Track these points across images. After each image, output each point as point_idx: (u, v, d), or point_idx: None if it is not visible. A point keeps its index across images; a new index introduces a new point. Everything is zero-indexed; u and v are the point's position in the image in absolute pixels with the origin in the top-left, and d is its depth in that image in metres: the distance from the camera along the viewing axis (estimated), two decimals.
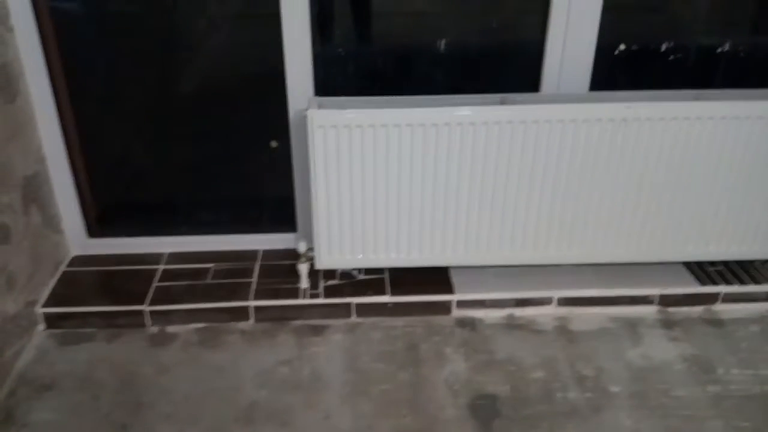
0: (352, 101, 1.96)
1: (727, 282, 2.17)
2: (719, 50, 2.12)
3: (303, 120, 2.06)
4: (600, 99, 1.95)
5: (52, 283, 2.18)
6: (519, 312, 2.16)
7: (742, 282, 2.17)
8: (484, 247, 2.12)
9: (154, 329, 2.10)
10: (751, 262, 2.24)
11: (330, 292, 2.14)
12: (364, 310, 2.13)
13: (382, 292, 2.13)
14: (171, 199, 2.30)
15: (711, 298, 2.17)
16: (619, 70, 2.12)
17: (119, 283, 2.18)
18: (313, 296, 2.12)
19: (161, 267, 2.25)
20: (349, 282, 2.17)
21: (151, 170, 2.25)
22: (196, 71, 2.10)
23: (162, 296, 2.12)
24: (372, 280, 2.18)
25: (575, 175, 2.00)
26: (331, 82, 2.09)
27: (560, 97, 2.00)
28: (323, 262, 2.12)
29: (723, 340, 2.06)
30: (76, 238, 2.29)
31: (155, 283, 2.18)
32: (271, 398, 1.84)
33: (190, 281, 2.18)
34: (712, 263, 2.24)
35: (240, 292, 2.13)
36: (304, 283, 2.14)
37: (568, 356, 1.99)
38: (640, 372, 1.93)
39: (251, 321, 2.12)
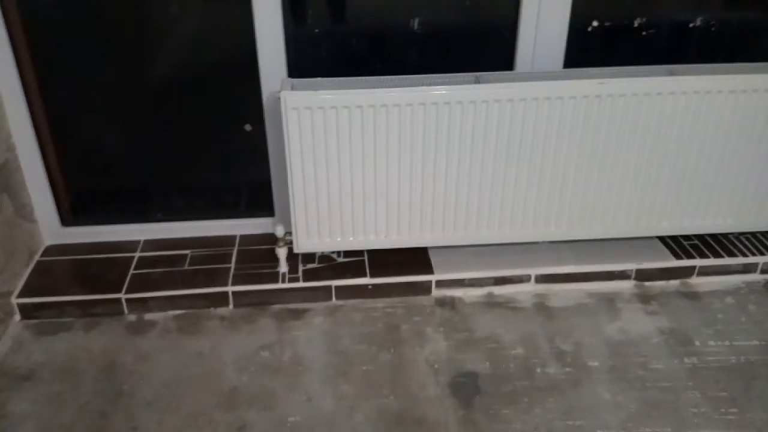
0: (327, 82, 1.95)
1: (703, 255, 2.20)
2: (692, 25, 2.13)
3: (277, 102, 2.04)
4: (574, 76, 1.95)
5: (26, 273, 2.15)
6: (498, 290, 2.17)
7: (717, 255, 2.20)
8: (462, 227, 2.12)
9: (132, 317, 2.08)
10: (725, 235, 2.27)
11: (309, 275, 2.13)
12: (344, 292, 2.13)
13: (361, 274, 2.13)
14: (145, 186, 2.27)
15: (687, 272, 2.20)
16: (592, 46, 2.12)
17: (95, 271, 2.16)
18: (292, 280, 2.11)
19: (137, 254, 2.23)
20: (329, 265, 2.17)
21: (125, 157, 2.22)
22: (168, 56, 2.07)
23: (139, 284, 2.10)
24: (351, 262, 2.18)
25: (551, 152, 2.00)
26: (305, 63, 2.07)
27: (534, 75, 2.00)
28: (301, 246, 2.11)
29: (699, 312, 2.09)
30: (49, 227, 2.26)
31: (132, 271, 2.15)
32: (253, 383, 1.84)
33: (167, 268, 2.16)
34: (687, 237, 2.27)
35: (218, 277, 2.11)
36: (283, 267, 2.14)
37: (547, 332, 2.01)
38: (618, 346, 1.96)
39: (230, 306, 2.11)
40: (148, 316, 2.08)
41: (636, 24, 2.11)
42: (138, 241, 2.28)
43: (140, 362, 1.91)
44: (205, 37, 2.04)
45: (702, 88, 1.95)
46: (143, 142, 2.19)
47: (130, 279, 2.12)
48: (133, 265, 2.18)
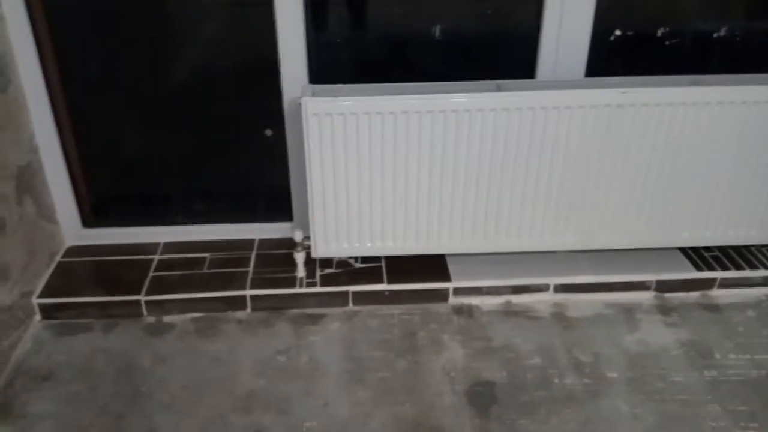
0: (347, 89, 1.95)
1: (724, 267, 2.17)
2: (715, 35, 2.11)
3: (297, 108, 2.05)
4: (596, 85, 1.94)
5: (47, 273, 2.17)
6: (516, 299, 2.16)
7: (738, 267, 2.18)
8: (480, 235, 2.11)
9: (151, 319, 2.09)
10: (747, 247, 2.25)
11: (327, 280, 2.13)
12: (361, 298, 2.13)
13: (379, 281, 2.13)
14: (166, 189, 2.29)
15: (707, 284, 2.17)
16: (614, 55, 2.11)
17: (115, 273, 2.18)
18: (309, 285, 2.11)
19: (157, 257, 2.24)
20: (346, 270, 2.17)
21: (146, 160, 2.23)
22: (190, 60, 2.08)
23: (158, 286, 2.11)
24: (369, 268, 2.18)
25: (571, 161, 1.99)
26: (326, 69, 2.07)
27: (556, 83, 1.99)
28: (319, 251, 2.11)
29: (720, 325, 2.06)
30: (70, 228, 2.28)
31: (151, 273, 2.17)
32: (269, 387, 1.84)
33: (186, 271, 2.17)
34: (708, 248, 2.24)
35: (236, 281, 2.12)
36: (301, 272, 2.14)
37: (565, 342, 2.00)
38: (637, 358, 1.94)
39: (248, 310, 2.12)
40: (167, 319, 2.09)
41: (659, 33, 2.09)
42: (158, 244, 2.30)
43: (158, 364, 1.92)
44: (227, 41, 2.06)
45: (725, 99, 1.93)
46: (164, 145, 2.21)
47: (150, 281, 2.13)
48: (152, 268, 2.19)
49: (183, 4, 2.00)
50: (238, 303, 2.10)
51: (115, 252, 2.27)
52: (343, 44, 2.08)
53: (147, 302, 2.09)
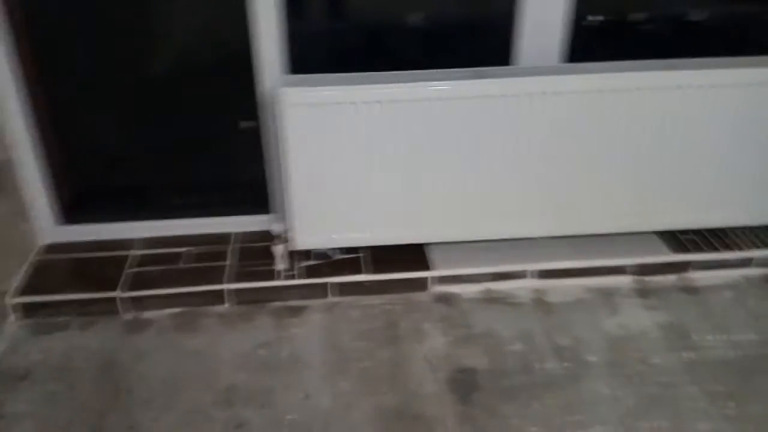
0: (325, 78, 1.93)
1: (700, 250, 2.20)
2: (691, 19, 2.12)
3: (275, 99, 2.03)
4: (574, 71, 1.95)
5: (23, 272, 2.13)
6: (496, 286, 2.17)
7: (714, 249, 2.20)
8: (460, 223, 2.11)
9: (129, 316, 2.07)
10: (722, 230, 2.27)
11: (307, 272, 2.12)
12: (342, 289, 2.13)
13: (359, 271, 2.13)
14: (142, 184, 2.26)
15: (685, 266, 2.20)
16: (592, 41, 2.11)
17: (92, 270, 2.15)
18: (289, 277, 2.10)
19: (134, 252, 2.22)
20: (326, 262, 2.16)
21: (122, 155, 2.20)
22: (167, 52, 2.06)
23: (136, 282, 2.09)
24: (349, 259, 2.17)
25: (549, 147, 2.00)
26: (304, 59, 2.05)
27: (534, 69, 1.99)
28: (299, 243, 2.10)
29: (698, 306, 2.09)
30: (46, 226, 2.25)
31: (129, 269, 2.14)
32: (250, 381, 1.83)
33: (165, 266, 2.15)
34: (685, 232, 2.26)
35: (215, 275, 2.10)
36: (280, 264, 2.13)
37: (546, 328, 2.01)
38: (617, 341, 1.95)
39: (228, 304, 2.10)
40: (146, 315, 2.07)
41: (636, 18, 2.10)
42: (135, 239, 2.27)
43: (137, 361, 1.90)
44: (203, 33, 2.03)
45: (701, 83, 1.94)
46: (141, 140, 2.19)
47: (127, 277, 2.11)
48: (129, 264, 2.17)
49: None
50: (218, 297, 2.09)
51: (92, 249, 2.24)
52: (321, 33, 2.07)
53: (125, 299, 2.06)
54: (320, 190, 2.01)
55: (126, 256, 2.20)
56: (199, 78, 2.09)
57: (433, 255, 2.19)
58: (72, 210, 2.26)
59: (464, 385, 1.82)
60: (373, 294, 2.14)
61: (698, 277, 2.20)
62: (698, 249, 2.20)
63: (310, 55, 2.07)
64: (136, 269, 2.14)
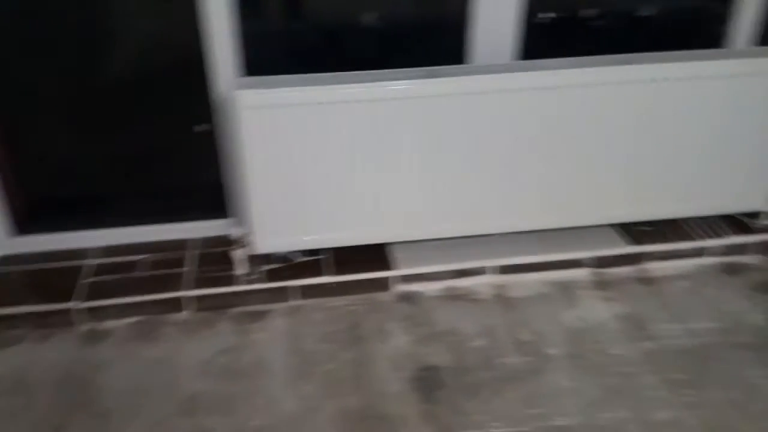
0: (280, 80, 1.92)
1: (656, 241, 2.24)
2: (641, 14, 2.16)
3: (230, 102, 2.01)
4: (527, 68, 1.96)
5: None
6: (458, 283, 2.18)
7: (669, 240, 2.24)
8: (422, 222, 2.12)
9: (87, 327, 2.03)
10: (676, 221, 2.31)
11: (268, 276, 2.11)
12: (304, 292, 2.11)
13: (322, 273, 2.12)
14: (97, 192, 2.22)
15: (641, 258, 2.24)
16: (544, 38, 2.14)
17: (47, 281, 2.10)
18: (250, 282, 2.08)
19: (91, 262, 2.17)
20: (288, 265, 2.15)
21: (75, 163, 2.16)
22: (119, 57, 2.02)
23: (93, 292, 2.05)
24: (311, 261, 2.16)
25: (505, 145, 2.01)
26: (260, 61, 2.03)
27: (488, 67, 2.00)
28: (259, 247, 2.08)
29: (654, 297, 2.13)
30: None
31: (85, 279, 2.10)
32: (213, 388, 1.81)
33: (122, 275, 2.11)
34: (640, 224, 2.30)
35: (174, 282, 2.08)
36: (240, 269, 2.11)
37: (507, 323, 2.02)
38: (577, 333, 1.98)
39: (187, 311, 2.07)
40: (104, 325, 2.03)
41: (587, 15, 2.13)
42: (91, 249, 2.22)
43: (96, 372, 1.87)
44: (155, 37, 2.00)
45: (652, 76, 1.98)
46: (94, 147, 2.14)
47: (84, 287, 2.07)
48: (86, 273, 2.12)
49: (108, 1, 1.94)
50: (177, 305, 2.06)
51: (47, 259, 2.19)
52: (276, 35, 2.06)
53: (82, 309, 2.02)
54: (279, 192, 2.00)
55: (82, 266, 2.15)
56: (152, 82, 2.06)
57: (396, 254, 2.19)
58: (25, 221, 2.21)
59: (428, 383, 1.82)
60: (336, 295, 2.13)
61: (654, 267, 2.24)
62: (653, 240, 2.24)
63: (265, 57, 2.05)
64: (92, 279, 2.10)
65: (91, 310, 2.02)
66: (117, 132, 2.12)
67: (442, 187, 2.06)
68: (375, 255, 2.18)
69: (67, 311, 2.01)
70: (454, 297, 2.14)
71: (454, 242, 2.22)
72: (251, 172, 1.95)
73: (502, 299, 2.12)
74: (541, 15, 2.10)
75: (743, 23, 2.19)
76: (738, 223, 2.31)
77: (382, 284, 2.15)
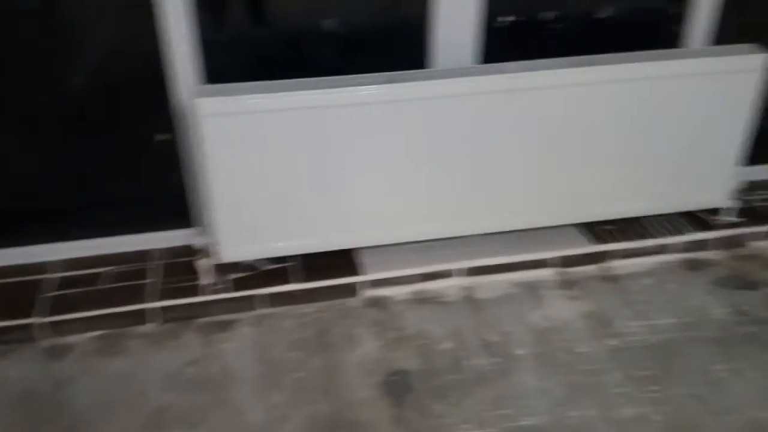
0: (241, 87, 1.90)
1: (618, 239, 2.27)
2: (600, 16, 2.19)
3: (190, 110, 1.99)
4: (487, 72, 1.98)
5: None
6: (426, 286, 2.18)
7: (632, 238, 2.28)
8: (389, 226, 2.12)
9: (49, 342, 1.99)
10: (638, 219, 2.34)
11: (234, 285, 2.08)
12: (272, 300, 2.10)
13: (289, 281, 2.10)
14: (57, 204, 2.17)
15: (605, 256, 2.27)
16: (504, 42, 2.16)
17: (7, 296, 2.05)
18: (216, 291, 2.06)
19: (52, 276, 2.13)
20: (255, 273, 2.13)
21: (34, 175, 2.11)
22: (76, 66, 1.98)
23: (55, 306, 2.01)
24: (278, 269, 2.15)
25: (468, 148, 2.02)
26: (221, 68, 2.01)
27: (449, 72, 2.01)
28: (225, 256, 2.06)
29: (618, 295, 2.15)
30: None
31: (47, 293, 2.06)
32: (179, 401, 1.79)
33: (84, 288, 2.07)
34: (604, 223, 2.33)
35: (138, 294, 2.04)
36: (206, 278, 2.08)
37: (475, 325, 2.03)
38: (543, 333, 2.00)
39: (152, 323, 2.04)
40: (66, 340, 1.99)
41: (546, 18, 2.16)
42: (52, 262, 2.18)
43: (59, 388, 1.83)
44: (114, 45, 1.97)
45: (609, 77, 2.00)
46: (53, 159, 2.10)
47: (45, 302, 2.02)
48: (47, 288, 2.08)
49: (66, 9, 1.90)
50: (141, 317, 2.03)
51: (6, 274, 2.13)
52: (237, 42, 2.04)
53: (43, 324, 1.98)
54: (244, 200, 1.98)
55: (43, 280, 2.11)
56: (112, 92, 2.02)
57: (364, 259, 2.19)
58: None
59: (397, 387, 1.82)
60: (304, 303, 2.12)
61: (617, 265, 2.27)
62: (616, 239, 2.27)
63: (227, 64, 2.04)
64: (54, 293, 2.06)
65: (53, 324, 1.98)
66: (77, 142, 2.08)
67: (408, 191, 2.06)
68: (343, 261, 2.18)
69: (28, 326, 1.97)
70: (422, 300, 2.14)
71: (421, 246, 2.22)
72: (214, 181, 1.93)
73: (470, 301, 2.13)
74: (501, 19, 2.12)
75: (698, 23, 2.24)
76: (699, 220, 2.35)
77: (350, 290, 2.14)
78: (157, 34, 1.93)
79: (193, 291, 2.06)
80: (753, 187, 2.50)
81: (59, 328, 1.99)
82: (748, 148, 2.23)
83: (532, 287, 2.18)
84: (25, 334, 1.97)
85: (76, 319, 1.99)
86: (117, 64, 2.00)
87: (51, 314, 1.98)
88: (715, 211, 2.35)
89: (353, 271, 2.15)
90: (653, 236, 2.28)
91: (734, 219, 2.35)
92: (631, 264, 2.27)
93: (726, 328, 2.01)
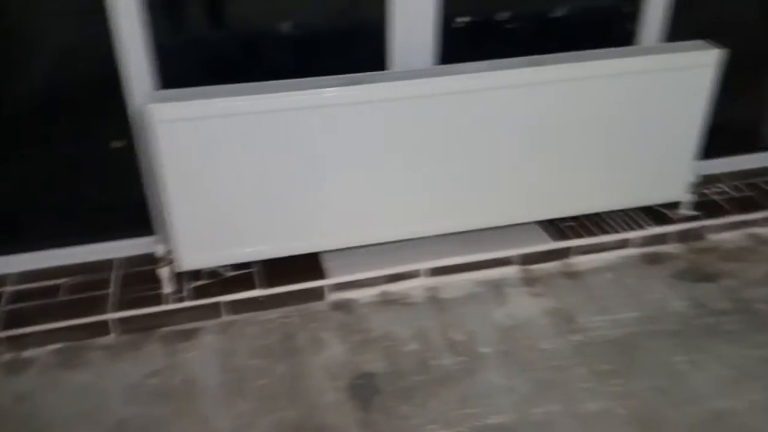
0: (197, 92, 1.87)
1: (579, 236, 2.30)
2: (554, 15, 2.21)
3: (145, 116, 1.95)
4: (445, 72, 1.98)
5: None
6: (391, 288, 2.18)
7: (593, 234, 2.31)
8: (352, 228, 2.11)
9: (7, 356, 1.94)
10: (598, 215, 2.37)
11: (197, 293, 2.06)
12: (236, 307, 2.08)
13: (252, 287, 2.09)
14: (12, 215, 2.12)
15: (566, 252, 2.29)
16: (462, 42, 2.17)
17: None
18: (178, 300, 2.03)
19: (8, 288, 2.08)
20: (218, 280, 2.11)
21: None
22: (29, 73, 1.94)
23: (12, 320, 1.96)
24: (241, 275, 2.13)
25: (428, 149, 2.03)
26: (177, 73, 1.98)
27: (408, 73, 2.01)
28: (186, 263, 2.03)
29: (581, 290, 2.18)
30: None
31: (3, 307, 2.01)
32: (142, 413, 1.76)
33: (42, 300, 2.03)
34: (564, 219, 2.35)
35: (97, 305, 2.01)
36: (167, 287, 2.05)
37: (440, 325, 2.04)
38: (508, 331, 2.01)
39: (113, 334, 2.00)
40: (25, 354, 1.95)
41: (502, 18, 2.17)
42: (8, 274, 2.13)
43: (18, 403, 1.79)
44: (67, 52, 1.93)
45: (563, 77, 2.02)
46: (6, 167, 2.04)
47: (2, 315, 1.97)
48: (3, 301, 2.03)
49: (18, 15, 1.86)
50: (102, 328, 1.99)
51: None
52: (193, 46, 2.01)
53: (0, 339, 1.93)
54: (202, 206, 1.95)
55: None
56: (66, 98, 1.98)
57: (329, 263, 2.18)
58: None
59: (364, 390, 1.82)
60: (269, 308, 2.10)
61: (579, 261, 2.30)
62: (577, 235, 2.30)
63: (184, 69, 2.01)
64: (10, 306, 2.01)
65: (10, 339, 1.94)
66: (31, 150, 2.03)
67: (370, 193, 2.06)
68: (307, 265, 2.16)
69: None
70: (388, 302, 2.14)
71: (386, 247, 2.21)
72: (171, 188, 1.90)
73: (435, 301, 2.14)
74: (458, 20, 2.13)
75: (651, 21, 2.28)
76: (658, 214, 2.39)
77: (315, 294, 2.13)
78: (111, 40, 1.89)
79: (155, 300, 2.03)
80: (708, 180, 2.55)
81: (17, 342, 1.94)
82: (704, 143, 2.27)
83: (495, 285, 2.20)
84: None
85: (35, 332, 1.94)
86: (72, 71, 1.96)
87: (8, 328, 1.94)
88: (673, 205, 2.39)
89: (318, 275, 2.13)
90: (614, 231, 2.31)
91: (692, 212, 2.39)
92: (592, 259, 2.30)
93: (685, 321, 2.05)
